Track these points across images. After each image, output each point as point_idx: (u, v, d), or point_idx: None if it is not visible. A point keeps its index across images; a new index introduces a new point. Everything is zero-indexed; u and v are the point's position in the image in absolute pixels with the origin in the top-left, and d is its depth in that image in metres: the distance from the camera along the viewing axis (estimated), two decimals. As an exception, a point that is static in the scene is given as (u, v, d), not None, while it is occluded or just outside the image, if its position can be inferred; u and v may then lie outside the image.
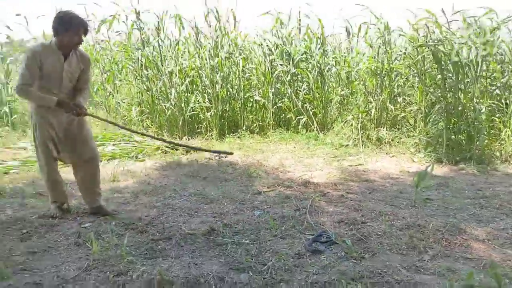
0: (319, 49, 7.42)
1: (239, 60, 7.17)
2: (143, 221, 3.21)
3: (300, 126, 7.09)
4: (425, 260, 2.57)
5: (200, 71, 7.20)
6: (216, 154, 5.51)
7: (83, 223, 3.20)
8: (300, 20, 7.59)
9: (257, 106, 7.55)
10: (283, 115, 7.47)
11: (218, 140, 6.78)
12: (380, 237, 2.92)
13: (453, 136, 5.63)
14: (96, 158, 3.41)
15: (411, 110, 6.52)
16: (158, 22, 7.21)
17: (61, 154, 3.28)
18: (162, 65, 7.08)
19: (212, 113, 7.03)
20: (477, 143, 5.43)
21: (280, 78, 7.35)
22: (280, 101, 7.36)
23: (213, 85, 7.03)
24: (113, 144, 5.96)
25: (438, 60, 5.65)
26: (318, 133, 6.85)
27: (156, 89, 7.13)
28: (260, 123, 7.32)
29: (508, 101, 5.65)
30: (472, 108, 5.53)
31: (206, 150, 5.26)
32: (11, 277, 2.30)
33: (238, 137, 6.85)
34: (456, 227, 3.08)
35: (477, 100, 5.54)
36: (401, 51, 6.64)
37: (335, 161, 5.54)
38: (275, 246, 2.77)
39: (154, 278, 2.29)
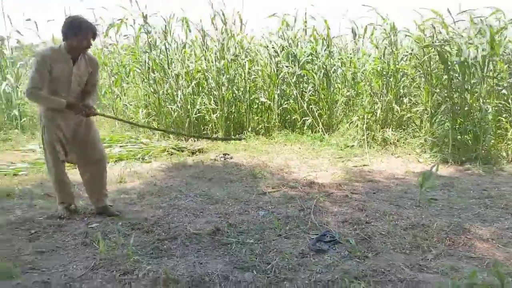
0: (325, 50, 7.43)
1: (245, 62, 7.21)
2: (149, 221, 3.26)
3: (305, 128, 7.10)
4: (428, 259, 2.58)
5: (206, 74, 7.25)
6: (224, 151, 5.68)
7: (90, 223, 3.25)
8: (306, 21, 7.61)
9: (263, 108, 7.58)
10: (289, 116, 7.49)
11: (223, 141, 6.80)
12: (384, 236, 2.94)
13: (459, 137, 5.60)
14: (104, 159, 3.47)
15: (417, 110, 6.49)
16: (165, 25, 7.27)
17: (69, 156, 3.34)
18: (169, 68, 7.15)
19: (218, 115, 7.08)
20: (483, 143, 5.40)
21: (285, 80, 7.37)
22: (285, 102, 7.38)
23: (219, 87, 7.08)
24: (120, 146, 6.03)
25: (444, 60, 5.62)
26: (324, 134, 6.86)
27: (163, 91, 7.19)
28: (266, 125, 7.34)
29: (514, 101, 5.61)
30: (479, 108, 5.50)
31: (216, 139, 5.31)
32: (20, 276, 2.35)
33: (244, 138, 6.88)
34: (460, 227, 3.08)
35: (484, 100, 5.50)
36: (407, 51, 6.62)
37: (340, 161, 5.54)
38: (279, 246, 2.80)
39: (160, 277, 2.32)
